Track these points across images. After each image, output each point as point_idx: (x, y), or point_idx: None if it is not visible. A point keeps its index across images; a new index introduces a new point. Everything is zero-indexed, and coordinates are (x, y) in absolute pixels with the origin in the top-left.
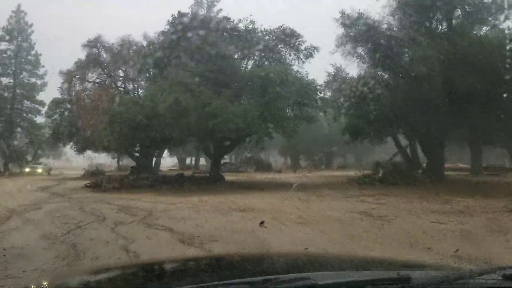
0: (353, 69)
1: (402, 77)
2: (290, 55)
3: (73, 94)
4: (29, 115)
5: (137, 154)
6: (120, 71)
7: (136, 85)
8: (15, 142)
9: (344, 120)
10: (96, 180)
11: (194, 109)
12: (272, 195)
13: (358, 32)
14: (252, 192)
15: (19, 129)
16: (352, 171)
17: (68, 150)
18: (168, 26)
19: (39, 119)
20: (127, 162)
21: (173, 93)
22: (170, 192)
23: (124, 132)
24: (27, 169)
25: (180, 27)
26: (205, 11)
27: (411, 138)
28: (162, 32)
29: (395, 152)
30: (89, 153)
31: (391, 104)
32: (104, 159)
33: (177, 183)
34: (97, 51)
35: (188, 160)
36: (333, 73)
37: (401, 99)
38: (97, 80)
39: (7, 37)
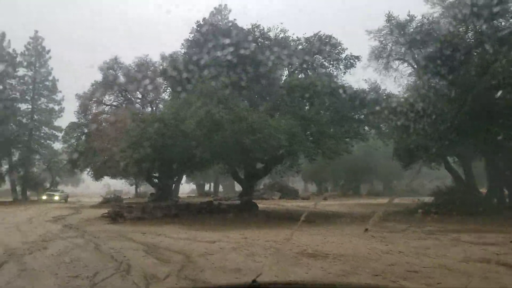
0: (390, 83)
1: (468, 88)
2: (329, 66)
3: (90, 117)
4: (47, 141)
5: (156, 180)
6: (138, 92)
7: (154, 108)
8: (34, 169)
9: (395, 140)
10: (114, 210)
11: (228, 124)
12: (330, 230)
13: (410, 37)
14: (303, 227)
15: (37, 156)
16: (383, 198)
17: (86, 176)
18: (192, 35)
19: (57, 145)
20: (146, 188)
21: (203, 106)
22: (200, 224)
23: (144, 154)
24: (44, 197)
25: (206, 35)
26: (225, 19)
27: (469, 159)
28: (187, 41)
29: (429, 176)
30: (106, 179)
31: (459, 118)
32: (121, 186)
33: (205, 213)
34: (113, 73)
35: (206, 186)
36: (371, 87)
37: (471, 112)
38: (114, 103)
39: (25, 63)
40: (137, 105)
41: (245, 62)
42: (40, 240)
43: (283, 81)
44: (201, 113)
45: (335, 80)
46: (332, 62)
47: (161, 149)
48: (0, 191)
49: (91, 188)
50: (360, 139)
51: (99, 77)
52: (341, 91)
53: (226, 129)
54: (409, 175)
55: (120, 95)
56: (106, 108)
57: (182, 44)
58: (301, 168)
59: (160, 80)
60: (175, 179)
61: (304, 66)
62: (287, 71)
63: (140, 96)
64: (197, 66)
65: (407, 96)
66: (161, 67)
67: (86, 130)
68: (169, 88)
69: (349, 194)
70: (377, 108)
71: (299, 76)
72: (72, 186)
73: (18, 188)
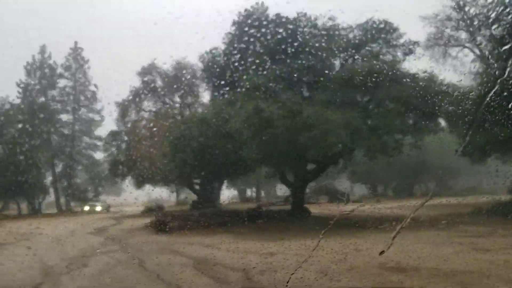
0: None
1: None
2: (386, 53)
3: (129, 125)
4: (88, 151)
5: (197, 187)
6: (177, 96)
7: (193, 111)
8: (77, 180)
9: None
10: (158, 219)
11: (280, 120)
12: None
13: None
14: (370, 233)
15: (79, 167)
16: (443, 198)
17: (127, 186)
18: (234, 27)
19: (98, 155)
20: (187, 195)
21: (250, 101)
22: (251, 232)
23: (187, 157)
24: (86, 208)
25: (249, 26)
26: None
27: None
28: (227, 35)
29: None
30: (147, 188)
31: None
32: (162, 194)
33: (253, 220)
34: (152, 78)
35: (248, 192)
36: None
37: None
38: (153, 109)
39: (66, 74)
40: (176, 110)
41: (293, 53)
42: (80, 256)
43: (336, 71)
44: (248, 109)
45: (396, 67)
46: (389, 49)
47: (203, 152)
48: (45, 203)
49: (132, 197)
50: (431, 133)
51: (137, 83)
52: (406, 79)
53: (277, 126)
54: (467, 173)
55: (159, 100)
56: (146, 115)
57: (223, 38)
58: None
59: (199, 82)
60: (216, 185)
61: (358, 54)
62: (340, 60)
63: (179, 100)
64: (241, 60)
65: (477, 84)
66: (200, 67)
67: (125, 138)
68: (210, 87)
69: (402, 196)
70: (447, 98)
71: (354, 65)
72: (114, 196)
73: (62, 200)
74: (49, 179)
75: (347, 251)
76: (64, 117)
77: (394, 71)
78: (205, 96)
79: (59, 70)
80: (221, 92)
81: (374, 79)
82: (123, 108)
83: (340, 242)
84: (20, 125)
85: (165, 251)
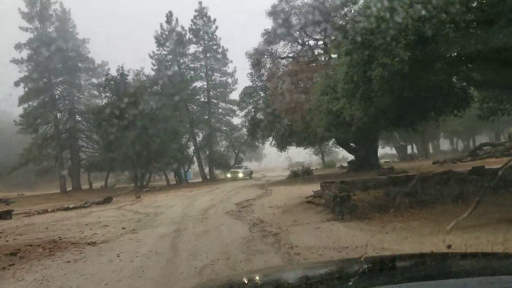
0: None
1: None
2: None
3: (265, 75)
4: (226, 117)
5: (352, 145)
6: (320, 34)
7: None
8: (220, 148)
9: None
10: (335, 194)
11: None
12: None
13: None
14: None
15: (218, 133)
16: None
17: (267, 150)
18: None
19: (236, 120)
20: (330, 157)
21: None
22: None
23: (364, 106)
24: (229, 175)
25: None
26: None
27: None
28: None
29: None
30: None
31: None
32: (303, 157)
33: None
34: (286, 16)
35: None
36: None
37: None
38: (290, 54)
39: (194, 39)
40: (318, 51)
41: None
42: (210, 263)
43: None
44: None
45: None
46: None
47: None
48: (193, 172)
49: (273, 162)
50: None
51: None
52: None
53: None
54: None
55: (297, 42)
56: (283, 62)
57: None
58: None
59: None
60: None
61: None
62: None
63: (322, 38)
64: None
65: None
66: None
67: (262, 94)
68: None
69: None
70: None
71: None
72: (255, 162)
73: (205, 168)
74: (191, 148)
75: None
76: (199, 84)
77: None
78: None
79: (188, 36)
80: None
81: None
82: (256, 57)
83: None
84: (156, 97)
85: None
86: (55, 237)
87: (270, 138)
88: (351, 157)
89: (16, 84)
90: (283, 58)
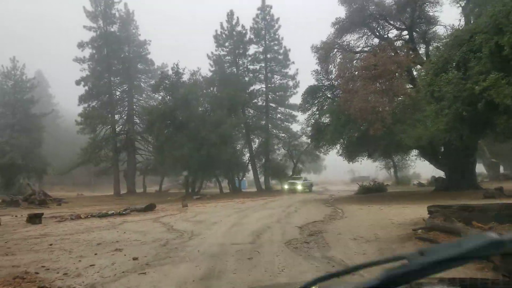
0: None
1: None
2: None
3: (334, 71)
4: (284, 123)
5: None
6: (402, 24)
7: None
8: (277, 156)
9: None
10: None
11: None
12: None
13: None
14: None
15: (276, 141)
16: None
17: (328, 161)
18: None
19: (295, 127)
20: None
21: None
22: None
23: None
24: (286, 186)
25: None
26: None
27: None
28: None
29: None
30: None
31: None
32: (368, 171)
33: None
34: (362, 4)
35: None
36: None
37: None
38: (365, 49)
39: (255, 39)
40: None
41: None
42: None
43: None
44: None
45: None
46: None
47: None
48: (249, 182)
49: (333, 174)
50: None
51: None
52: None
53: None
54: None
55: (373, 33)
56: (356, 56)
57: None
58: None
59: None
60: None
61: None
62: None
63: (405, 29)
64: None
65: None
66: None
67: (329, 94)
68: None
69: None
70: None
71: None
72: (313, 173)
73: (260, 178)
74: (247, 156)
75: None
76: (257, 86)
77: None
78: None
79: (249, 35)
80: None
81: None
82: (324, 52)
83: None
84: (211, 98)
85: None
86: (25, 270)
87: (338, 146)
88: (425, 173)
89: (77, 83)
90: (357, 53)
